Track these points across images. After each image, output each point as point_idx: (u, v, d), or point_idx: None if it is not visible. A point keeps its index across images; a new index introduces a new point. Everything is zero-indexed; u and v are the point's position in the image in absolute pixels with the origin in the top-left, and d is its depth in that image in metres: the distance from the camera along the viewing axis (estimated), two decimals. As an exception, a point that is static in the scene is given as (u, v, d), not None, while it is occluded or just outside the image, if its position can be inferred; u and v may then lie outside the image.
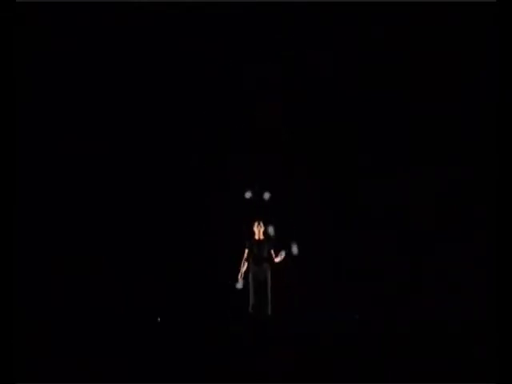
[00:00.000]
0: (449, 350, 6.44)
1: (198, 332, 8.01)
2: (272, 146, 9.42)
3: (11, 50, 7.10)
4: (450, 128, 9.22)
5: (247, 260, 8.12)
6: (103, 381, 5.52)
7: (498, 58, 7.06)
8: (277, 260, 8.03)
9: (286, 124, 9.49)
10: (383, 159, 9.42)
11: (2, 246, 6.58)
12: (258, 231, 8.21)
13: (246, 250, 8.14)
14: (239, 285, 8.16)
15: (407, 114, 9.35)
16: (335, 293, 9.11)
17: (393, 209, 9.34)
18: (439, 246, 9.16)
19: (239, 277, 8.06)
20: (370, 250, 9.25)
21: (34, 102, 9.06)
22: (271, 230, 8.73)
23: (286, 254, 8.08)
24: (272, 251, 8.12)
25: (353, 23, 9.22)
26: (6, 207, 6.71)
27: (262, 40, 9.35)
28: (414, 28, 9.12)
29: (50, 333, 7.56)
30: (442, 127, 9.25)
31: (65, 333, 7.58)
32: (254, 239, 8.20)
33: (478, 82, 8.87)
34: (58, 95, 9.25)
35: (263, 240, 8.19)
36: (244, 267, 8.08)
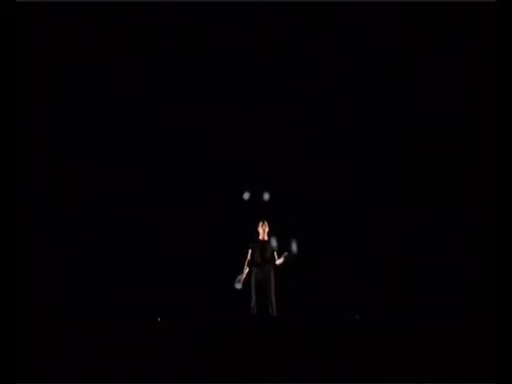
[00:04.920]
0: (449, 350, 6.43)
1: (198, 332, 8.01)
2: (272, 146, 9.43)
3: (11, 50, 7.11)
4: (450, 128, 9.22)
5: (250, 262, 8.10)
6: (103, 381, 5.52)
7: (498, 58, 7.06)
8: (278, 262, 7.99)
9: (287, 123, 9.49)
10: (383, 159, 9.43)
11: (3, 246, 6.59)
12: (263, 231, 8.18)
13: (250, 251, 8.12)
14: (238, 286, 8.09)
15: (407, 114, 9.35)
16: (335, 293, 9.11)
17: (393, 209, 9.34)
18: (440, 246, 9.16)
19: (239, 279, 7.98)
20: (371, 249, 9.26)
21: (35, 102, 9.05)
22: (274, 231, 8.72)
23: (287, 253, 8.03)
24: (275, 252, 8.10)
25: (353, 23, 9.21)
26: (8, 208, 6.72)
27: (262, 40, 9.34)
28: (414, 28, 9.12)
29: (50, 333, 7.56)
30: (441, 127, 9.25)
31: (65, 333, 7.58)
32: (258, 240, 8.17)
33: (478, 81, 8.87)
34: (58, 95, 9.25)
35: (267, 241, 8.16)
36: (246, 270, 8.04)
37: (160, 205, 9.41)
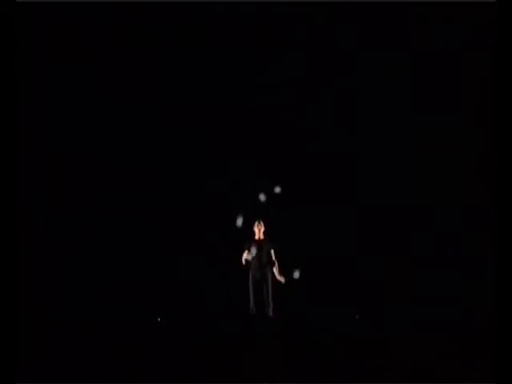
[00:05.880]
0: (449, 350, 6.43)
1: (198, 332, 8.00)
2: (272, 146, 9.43)
3: (11, 50, 7.10)
4: (450, 128, 9.22)
5: (246, 261, 8.09)
6: (103, 381, 5.52)
7: (498, 58, 7.06)
8: (277, 277, 7.98)
9: (287, 123, 9.49)
10: (383, 159, 9.43)
11: (3, 246, 6.59)
12: (259, 231, 8.18)
13: (246, 251, 8.10)
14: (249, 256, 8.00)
15: (407, 114, 9.35)
16: (335, 293, 9.11)
17: (393, 209, 9.34)
18: (440, 246, 9.16)
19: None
20: (371, 249, 9.26)
21: (35, 102, 9.05)
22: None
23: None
24: (272, 252, 8.09)
25: (353, 23, 9.21)
26: (8, 208, 6.72)
27: (262, 40, 9.34)
28: (414, 28, 9.12)
29: (50, 333, 7.56)
30: (441, 127, 9.25)
31: (65, 333, 7.58)
32: (254, 239, 8.17)
33: (478, 81, 8.86)
34: (58, 95, 9.25)
35: (263, 240, 8.15)
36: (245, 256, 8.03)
37: (160, 205, 9.41)
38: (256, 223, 8.19)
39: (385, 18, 9.10)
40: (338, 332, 7.75)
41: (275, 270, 8.04)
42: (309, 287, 9.11)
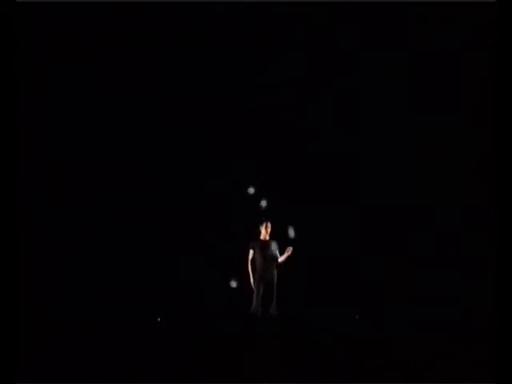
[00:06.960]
0: (449, 350, 6.44)
1: (198, 332, 8.01)
2: (272, 146, 9.43)
3: (11, 50, 7.11)
4: (450, 128, 9.23)
5: (252, 262, 8.07)
6: (103, 381, 5.53)
7: (498, 58, 7.07)
8: (281, 259, 7.91)
9: (287, 123, 9.49)
10: (383, 159, 9.43)
11: (3, 246, 6.60)
12: (266, 232, 8.13)
13: (251, 252, 8.07)
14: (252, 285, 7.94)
15: (407, 114, 9.35)
16: (335, 293, 9.11)
17: (393, 209, 9.35)
18: (440, 246, 9.17)
19: (251, 282, 7.91)
20: (371, 249, 9.26)
21: (35, 102, 9.06)
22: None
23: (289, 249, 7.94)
24: (277, 252, 8.07)
25: (353, 23, 9.22)
26: (8, 208, 6.72)
27: (262, 40, 9.35)
28: (414, 28, 9.13)
29: (50, 333, 7.56)
30: (441, 127, 9.26)
31: (65, 333, 7.58)
32: (260, 240, 8.14)
33: (478, 81, 8.87)
34: (58, 95, 9.25)
35: (269, 241, 8.12)
36: (251, 274, 7.99)
37: (160, 205, 9.41)
38: (264, 224, 8.14)
39: (385, 18, 9.10)
40: (337, 332, 7.76)
41: (280, 258, 7.93)
42: (309, 287, 9.11)
